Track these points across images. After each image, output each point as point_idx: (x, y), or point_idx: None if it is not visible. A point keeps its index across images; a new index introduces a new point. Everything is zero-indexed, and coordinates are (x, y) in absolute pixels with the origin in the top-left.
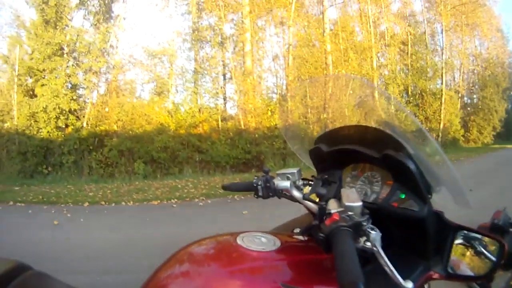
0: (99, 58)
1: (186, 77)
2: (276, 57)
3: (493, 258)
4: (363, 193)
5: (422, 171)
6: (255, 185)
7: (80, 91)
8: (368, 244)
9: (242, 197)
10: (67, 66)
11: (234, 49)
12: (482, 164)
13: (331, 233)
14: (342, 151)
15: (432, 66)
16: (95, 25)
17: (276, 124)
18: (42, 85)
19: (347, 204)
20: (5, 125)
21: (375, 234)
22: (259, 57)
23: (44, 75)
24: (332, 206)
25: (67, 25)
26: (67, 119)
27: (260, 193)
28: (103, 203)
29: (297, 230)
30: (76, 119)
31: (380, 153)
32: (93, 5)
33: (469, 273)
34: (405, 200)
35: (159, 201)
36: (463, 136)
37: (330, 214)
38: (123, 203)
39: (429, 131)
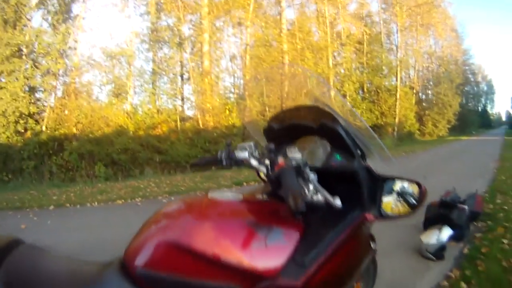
0: (58, 60)
1: (144, 78)
2: (233, 57)
3: (415, 201)
4: (310, 159)
5: (351, 135)
6: (219, 158)
7: (38, 95)
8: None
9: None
10: (25, 69)
11: (192, 49)
12: (436, 155)
13: (279, 174)
14: (290, 127)
15: (387, 64)
16: (54, 25)
17: (234, 123)
18: (0, 88)
19: (290, 156)
20: None
21: (313, 174)
22: (217, 57)
23: (1, 78)
24: (280, 160)
25: (25, 25)
26: (26, 123)
27: (223, 163)
28: (68, 205)
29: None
30: (35, 123)
31: (317, 124)
32: (52, 5)
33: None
34: (341, 159)
35: (123, 201)
36: (418, 129)
37: (277, 163)
38: (88, 204)
39: (385, 125)
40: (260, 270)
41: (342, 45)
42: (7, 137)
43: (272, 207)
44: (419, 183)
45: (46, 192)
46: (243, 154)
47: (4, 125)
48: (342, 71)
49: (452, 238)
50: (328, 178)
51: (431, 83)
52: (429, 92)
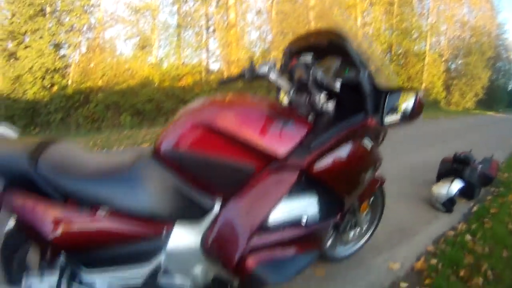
0: (81, 16)
1: (169, 32)
2: (259, 11)
3: (412, 111)
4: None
5: (358, 53)
6: (243, 73)
7: (63, 51)
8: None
9: None
10: (49, 27)
11: (217, 2)
12: (459, 124)
13: (292, 69)
14: (304, 49)
15: (417, 28)
16: None
17: None
18: (26, 47)
19: (301, 57)
20: None
21: (320, 72)
22: (243, 11)
23: (26, 38)
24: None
25: None
26: (52, 78)
27: (246, 77)
28: (96, 149)
29: None
30: (61, 78)
31: (327, 41)
32: None
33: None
34: (349, 72)
35: (149, 144)
36: (444, 98)
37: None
38: (115, 147)
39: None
40: (273, 151)
41: (371, 5)
42: (34, 92)
43: (287, 108)
44: (416, 92)
45: (73, 140)
46: (264, 69)
47: (31, 82)
48: (371, 31)
49: (462, 192)
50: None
51: (461, 52)
52: (459, 61)
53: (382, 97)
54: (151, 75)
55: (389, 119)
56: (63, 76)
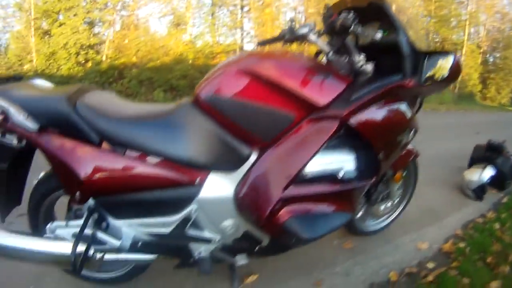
0: None
1: (203, 10)
2: None
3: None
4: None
5: (396, 16)
6: (282, 34)
7: (97, 29)
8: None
9: None
10: (83, 6)
11: None
12: (493, 118)
13: (332, 23)
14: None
15: (456, 16)
16: None
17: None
18: (60, 24)
19: (342, 14)
20: (24, 67)
21: (357, 25)
22: None
23: (60, 16)
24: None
25: None
26: (86, 54)
27: (286, 37)
28: None
29: None
30: (95, 54)
31: (366, 4)
32: None
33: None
34: (387, 35)
35: None
36: (480, 92)
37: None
38: None
39: None
40: (313, 100)
41: None
42: (68, 68)
43: (327, 65)
44: (455, 55)
45: None
46: (304, 30)
47: (65, 58)
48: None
49: (493, 181)
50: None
51: (500, 45)
52: (497, 55)
53: (420, 59)
54: (185, 53)
55: (427, 81)
56: (98, 52)
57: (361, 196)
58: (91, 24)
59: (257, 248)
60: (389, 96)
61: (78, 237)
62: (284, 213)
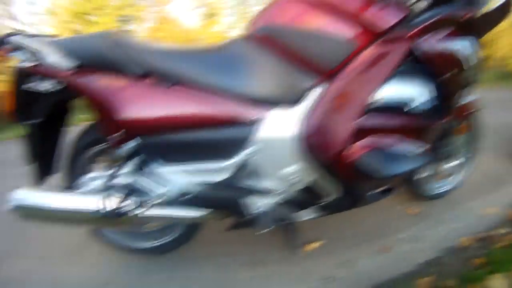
0: None
1: (236, 1)
2: None
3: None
4: None
5: None
6: None
7: (129, 27)
8: None
9: None
10: (114, 4)
11: None
12: None
13: None
14: None
15: None
16: None
17: None
18: (94, 24)
19: None
20: None
21: None
22: None
23: (91, 16)
24: None
25: None
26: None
27: None
28: None
29: None
30: None
31: None
32: None
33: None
34: None
35: None
36: None
37: None
38: None
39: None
40: (376, 25)
41: None
42: None
43: None
44: None
45: None
46: None
47: None
48: None
49: None
50: None
51: None
52: None
53: None
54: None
55: (483, 12)
56: None
57: (434, 139)
58: (124, 22)
59: (323, 202)
60: (448, 27)
61: (117, 187)
62: (357, 149)
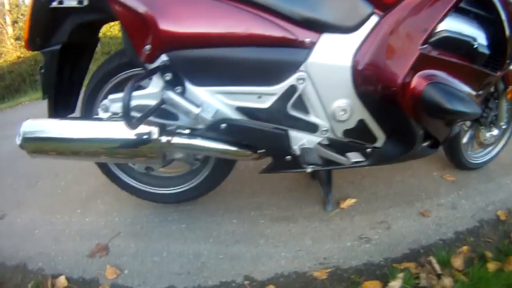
0: None
1: None
2: None
3: None
4: None
5: None
6: None
7: None
8: None
9: None
10: None
11: None
12: None
13: None
14: None
15: None
16: None
17: None
18: None
19: None
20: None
21: None
22: None
23: None
24: None
25: None
26: None
27: None
28: None
29: None
30: None
31: None
32: None
33: None
34: None
35: None
36: None
37: None
38: None
39: None
40: None
41: None
42: None
43: None
44: None
45: None
46: None
47: None
48: None
49: None
50: None
51: None
52: None
53: None
54: None
55: None
56: None
57: (486, 93)
58: None
59: (370, 148)
60: None
61: (141, 109)
62: (421, 78)
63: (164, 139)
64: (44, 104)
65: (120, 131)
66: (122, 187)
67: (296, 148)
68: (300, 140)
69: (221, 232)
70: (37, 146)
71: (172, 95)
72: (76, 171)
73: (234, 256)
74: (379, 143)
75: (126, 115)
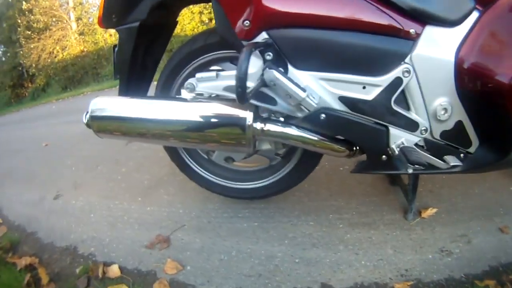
0: None
1: None
2: None
3: None
4: None
5: None
6: None
7: None
8: None
9: None
10: None
11: None
12: None
13: None
14: None
15: None
16: None
17: None
18: None
19: None
20: None
21: None
22: None
23: None
24: None
25: None
26: (210, 13)
27: None
28: None
29: None
30: None
31: None
32: None
33: None
34: None
35: None
36: None
37: None
38: None
39: None
40: None
41: None
42: (193, 27)
43: None
44: None
45: None
46: None
47: (189, 17)
48: None
49: None
50: None
51: None
52: None
53: None
54: None
55: None
56: None
57: None
58: None
59: (463, 152)
60: None
61: (253, 88)
62: None
63: (258, 125)
64: (106, 95)
65: (210, 113)
66: (192, 177)
67: (393, 147)
68: (398, 138)
69: (297, 234)
70: (105, 126)
71: (277, 75)
72: (138, 159)
73: (311, 260)
74: (472, 148)
75: (241, 86)
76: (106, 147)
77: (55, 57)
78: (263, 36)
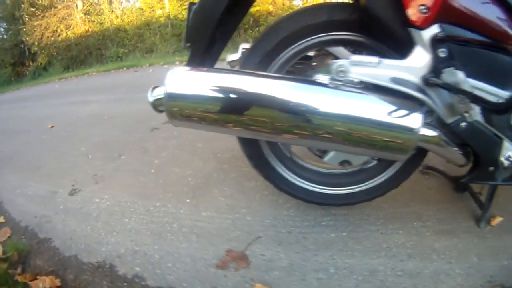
0: None
1: None
2: None
3: None
4: None
5: None
6: None
7: None
8: None
9: None
10: None
11: None
12: None
13: None
14: None
15: None
16: None
17: None
18: None
19: None
20: (157, 12)
21: None
22: None
23: None
24: None
25: None
26: None
27: None
28: None
29: None
30: None
31: None
32: None
33: None
34: None
35: None
36: None
37: None
38: None
39: None
40: None
41: None
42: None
43: None
44: None
45: None
46: None
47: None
48: None
49: None
50: None
51: None
52: None
53: None
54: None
55: None
56: None
57: None
58: None
59: None
60: None
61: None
62: None
63: (424, 130)
64: (111, 77)
65: (371, 106)
66: (271, 179)
67: (502, 159)
68: (507, 151)
69: (391, 244)
70: (184, 108)
71: (462, 76)
72: (172, 149)
73: (412, 272)
74: None
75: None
76: (123, 131)
77: (59, 36)
78: (436, 29)
